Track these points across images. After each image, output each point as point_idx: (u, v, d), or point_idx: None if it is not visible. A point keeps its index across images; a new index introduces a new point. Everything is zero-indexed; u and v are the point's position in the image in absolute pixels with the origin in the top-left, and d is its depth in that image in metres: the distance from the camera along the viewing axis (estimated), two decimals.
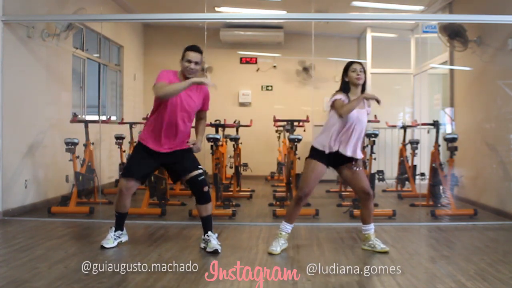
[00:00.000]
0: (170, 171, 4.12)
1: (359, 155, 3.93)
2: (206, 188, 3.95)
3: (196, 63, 3.80)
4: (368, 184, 4.00)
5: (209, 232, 3.97)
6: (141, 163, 3.95)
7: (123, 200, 3.95)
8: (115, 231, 4.04)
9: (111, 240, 3.99)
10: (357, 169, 3.94)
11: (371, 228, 4.02)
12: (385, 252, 3.89)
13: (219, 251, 3.86)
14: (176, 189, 7.13)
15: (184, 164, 3.95)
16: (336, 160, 3.93)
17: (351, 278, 3.24)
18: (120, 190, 3.93)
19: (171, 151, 3.92)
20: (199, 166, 3.98)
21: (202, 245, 3.98)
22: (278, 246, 3.91)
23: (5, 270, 3.35)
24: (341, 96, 3.85)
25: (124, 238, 4.12)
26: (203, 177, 3.95)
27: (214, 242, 3.92)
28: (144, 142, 3.94)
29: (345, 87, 3.91)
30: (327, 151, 3.87)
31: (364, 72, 3.92)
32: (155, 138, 3.89)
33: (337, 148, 3.86)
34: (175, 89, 3.71)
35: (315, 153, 3.92)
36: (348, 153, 3.87)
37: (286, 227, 4.00)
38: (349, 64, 3.93)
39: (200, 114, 4.11)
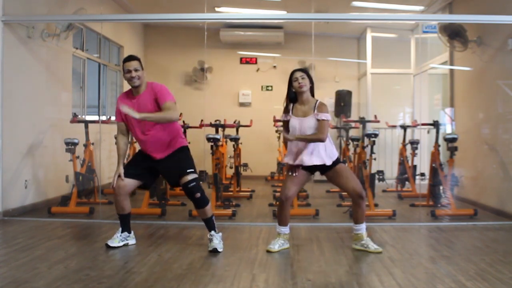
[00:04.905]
0: (165, 177, 4.26)
1: (326, 161, 3.87)
2: (198, 195, 3.91)
3: (136, 69, 3.85)
4: (359, 183, 3.93)
5: (212, 232, 3.99)
6: (134, 162, 4.13)
7: (118, 200, 4.00)
8: (121, 232, 4.07)
9: (116, 239, 4.02)
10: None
11: (363, 227, 3.97)
12: (379, 253, 3.86)
13: (218, 250, 3.87)
14: (176, 189, 7.11)
15: (174, 169, 3.95)
16: (315, 167, 3.94)
17: (351, 278, 3.24)
18: (114, 189, 4.03)
19: (164, 157, 3.97)
20: (189, 170, 3.91)
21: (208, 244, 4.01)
22: (276, 244, 3.93)
23: (5, 270, 3.35)
24: (283, 116, 4.01)
25: (132, 241, 4.12)
26: (193, 183, 3.89)
27: (215, 241, 3.93)
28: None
29: (293, 96, 3.99)
30: (291, 162, 3.95)
31: (308, 76, 3.93)
32: (143, 148, 4.07)
33: (293, 161, 3.92)
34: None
35: None
36: (307, 162, 3.85)
37: (282, 230, 4.02)
38: (291, 74, 3.96)
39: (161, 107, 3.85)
